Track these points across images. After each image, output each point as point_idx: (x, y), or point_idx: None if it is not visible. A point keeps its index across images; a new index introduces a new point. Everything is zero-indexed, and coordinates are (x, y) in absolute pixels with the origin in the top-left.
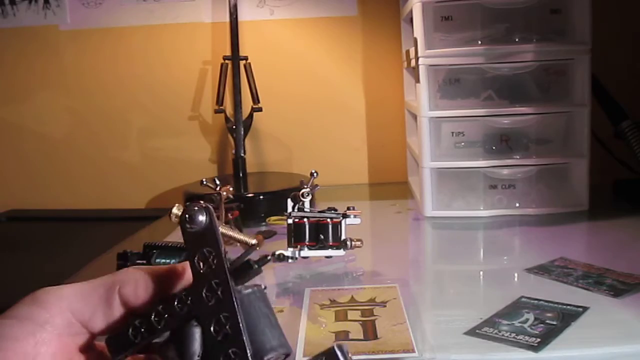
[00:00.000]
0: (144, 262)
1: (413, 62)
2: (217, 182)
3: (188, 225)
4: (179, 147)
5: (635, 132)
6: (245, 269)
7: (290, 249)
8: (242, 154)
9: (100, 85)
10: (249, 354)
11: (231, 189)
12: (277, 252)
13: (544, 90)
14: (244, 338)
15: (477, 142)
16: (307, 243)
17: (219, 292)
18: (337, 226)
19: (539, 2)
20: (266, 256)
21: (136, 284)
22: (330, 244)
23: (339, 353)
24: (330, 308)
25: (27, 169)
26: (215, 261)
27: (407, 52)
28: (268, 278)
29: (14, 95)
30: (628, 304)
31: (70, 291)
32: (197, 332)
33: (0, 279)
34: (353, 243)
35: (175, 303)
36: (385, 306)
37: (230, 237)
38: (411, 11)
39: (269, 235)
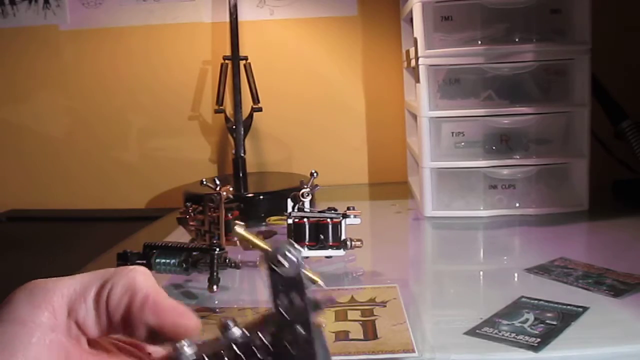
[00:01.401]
0: (144, 262)
1: (413, 62)
2: (217, 182)
3: (276, 265)
4: (179, 147)
5: (635, 132)
6: (316, 308)
7: None
8: (242, 154)
9: (100, 85)
10: None
11: (231, 189)
12: None
13: (544, 90)
14: None
15: (477, 142)
16: (307, 243)
17: (302, 341)
18: (337, 226)
19: (539, 2)
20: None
21: (125, 294)
22: (330, 244)
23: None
24: (330, 308)
25: (27, 169)
26: (300, 306)
27: (407, 52)
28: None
29: (14, 95)
30: (628, 304)
31: (71, 290)
32: None
33: (0, 279)
34: (353, 243)
35: (256, 349)
36: (385, 306)
37: (250, 242)
38: (411, 11)
39: (269, 235)
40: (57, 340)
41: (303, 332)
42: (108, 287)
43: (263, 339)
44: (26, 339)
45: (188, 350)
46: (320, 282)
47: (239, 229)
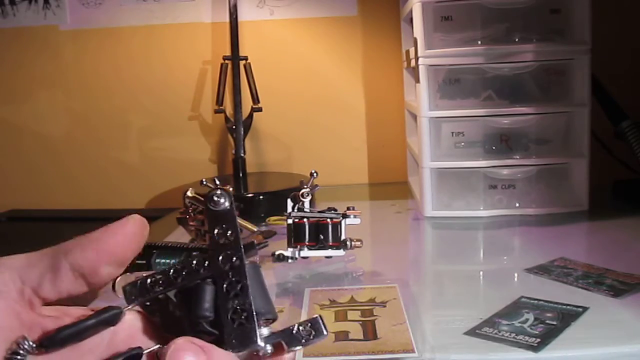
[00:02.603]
0: (144, 262)
1: (413, 62)
2: (217, 182)
3: (212, 205)
4: (179, 147)
5: (635, 132)
6: (250, 247)
7: (290, 249)
8: (242, 154)
9: (100, 86)
10: (253, 310)
11: (231, 189)
12: (277, 252)
13: (544, 90)
14: (251, 299)
15: (477, 142)
16: (307, 243)
17: (233, 260)
18: (337, 226)
19: (538, 2)
20: (265, 241)
21: (82, 248)
22: (330, 244)
23: (321, 321)
24: (330, 308)
25: (27, 168)
26: (232, 236)
27: (407, 52)
28: (268, 278)
29: (14, 95)
30: (628, 304)
31: (20, 262)
32: (210, 289)
33: None
34: (353, 243)
35: (193, 263)
36: (385, 306)
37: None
38: (411, 11)
39: (269, 235)
40: (6, 305)
41: (235, 257)
42: (62, 252)
43: (201, 258)
44: None
45: (124, 280)
46: (254, 229)
47: (189, 192)
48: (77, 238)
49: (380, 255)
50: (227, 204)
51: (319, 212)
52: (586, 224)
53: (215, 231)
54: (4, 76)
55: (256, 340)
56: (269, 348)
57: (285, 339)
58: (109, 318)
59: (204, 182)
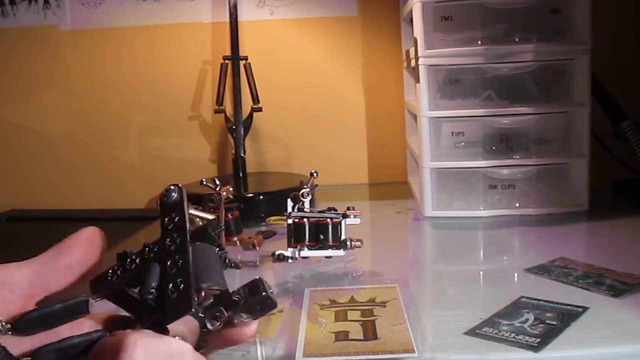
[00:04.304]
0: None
1: (413, 62)
2: (217, 182)
3: (164, 198)
4: (179, 147)
5: (635, 132)
6: (203, 231)
7: (290, 249)
8: (242, 154)
9: (100, 85)
10: (191, 280)
11: (231, 189)
12: (277, 252)
13: (544, 90)
14: (190, 271)
15: (477, 142)
16: (307, 243)
17: (177, 241)
18: (337, 226)
19: (538, 2)
20: (219, 225)
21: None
22: (330, 244)
23: (260, 283)
24: (330, 308)
25: (27, 168)
26: (178, 221)
27: (407, 52)
28: (268, 278)
29: (14, 94)
30: (628, 304)
31: (14, 271)
32: (156, 269)
33: None
34: (353, 243)
35: (145, 250)
36: (385, 306)
37: (195, 215)
38: (411, 11)
39: (269, 235)
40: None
41: (180, 240)
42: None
43: (152, 244)
44: None
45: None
46: (209, 217)
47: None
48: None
49: (380, 255)
50: (176, 196)
51: (319, 212)
52: (586, 224)
53: (166, 220)
54: (3, 76)
55: (190, 305)
56: (214, 322)
57: (223, 303)
58: (75, 304)
59: (204, 182)
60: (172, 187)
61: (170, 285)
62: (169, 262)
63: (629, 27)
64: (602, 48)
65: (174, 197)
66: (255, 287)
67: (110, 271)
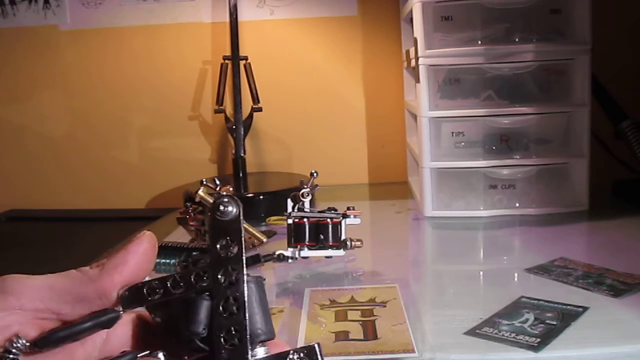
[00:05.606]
0: None
1: (413, 62)
2: (217, 182)
3: (218, 214)
4: (179, 147)
5: (635, 132)
6: (255, 261)
7: (290, 249)
8: (242, 154)
9: (100, 85)
10: (247, 331)
11: (231, 189)
12: (277, 252)
13: (544, 90)
14: (246, 320)
15: (477, 142)
16: (307, 243)
17: (233, 277)
18: (337, 226)
19: (539, 2)
20: (273, 253)
21: (108, 274)
22: (330, 244)
23: (318, 350)
24: (330, 308)
25: (27, 168)
26: (235, 250)
27: (407, 52)
28: (268, 278)
29: (14, 94)
30: (628, 304)
31: (41, 282)
32: (206, 305)
33: None
34: (353, 243)
35: (192, 276)
36: (385, 306)
37: (246, 230)
38: (411, 11)
39: (269, 235)
40: (21, 320)
41: (235, 274)
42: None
43: (201, 271)
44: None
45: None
46: (264, 239)
47: (201, 191)
48: (100, 263)
49: (381, 255)
50: (234, 212)
51: (319, 212)
52: (586, 224)
53: (219, 244)
54: (3, 76)
55: None
56: None
57: None
58: (106, 321)
59: (204, 182)
60: (226, 200)
61: (224, 332)
62: (222, 302)
63: (629, 27)
64: (602, 48)
65: (231, 214)
66: (314, 355)
67: (147, 288)
